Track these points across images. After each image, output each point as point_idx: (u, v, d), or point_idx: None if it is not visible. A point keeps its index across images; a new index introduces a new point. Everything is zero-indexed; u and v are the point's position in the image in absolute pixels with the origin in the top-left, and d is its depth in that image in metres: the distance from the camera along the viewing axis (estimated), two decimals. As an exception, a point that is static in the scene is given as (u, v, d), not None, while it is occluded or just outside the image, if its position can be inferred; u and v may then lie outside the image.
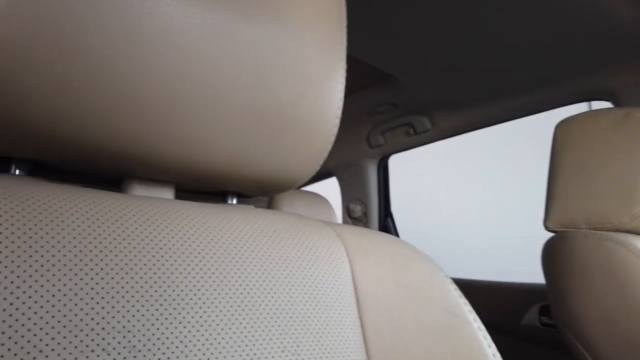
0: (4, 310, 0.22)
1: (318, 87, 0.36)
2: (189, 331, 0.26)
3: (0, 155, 0.31)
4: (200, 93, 0.31)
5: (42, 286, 0.23)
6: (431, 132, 1.43)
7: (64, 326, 0.23)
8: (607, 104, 1.09)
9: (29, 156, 0.31)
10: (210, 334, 0.27)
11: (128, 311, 0.25)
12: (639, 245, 0.71)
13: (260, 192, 0.41)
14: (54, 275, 0.24)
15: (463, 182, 2.78)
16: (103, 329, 0.24)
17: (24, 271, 0.23)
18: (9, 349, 0.21)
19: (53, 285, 0.23)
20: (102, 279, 0.25)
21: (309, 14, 0.36)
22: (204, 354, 0.26)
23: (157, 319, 0.25)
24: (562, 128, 0.87)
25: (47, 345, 0.22)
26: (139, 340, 0.24)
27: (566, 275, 0.77)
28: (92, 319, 0.24)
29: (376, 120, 1.52)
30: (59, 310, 0.23)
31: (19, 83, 0.26)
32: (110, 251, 0.26)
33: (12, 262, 0.23)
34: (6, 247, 0.23)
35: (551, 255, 0.82)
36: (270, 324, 0.30)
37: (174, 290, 0.27)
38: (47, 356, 0.22)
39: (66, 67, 0.26)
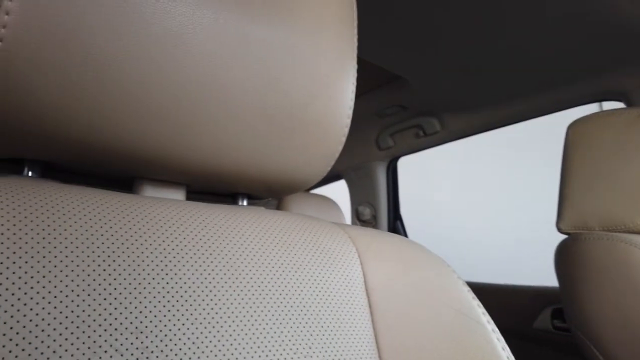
0: (18, 310, 0.22)
1: (329, 87, 0.36)
2: (201, 332, 0.26)
3: (13, 157, 0.31)
4: (211, 94, 0.31)
5: (55, 287, 0.23)
6: (441, 134, 1.42)
7: (77, 326, 0.23)
8: (618, 105, 1.08)
9: (41, 158, 0.31)
10: (222, 335, 0.27)
11: (140, 312, 0.25)
12: None
13: (271, 193, 0.41)
14: (67, 275, 0.24)
15: (474, 183, 2.77)
16: (116, 329, 0.24)
17: (38, 272, 0.23)
18: (23, 349, 0.21)
19: (66, 285, 0.23)
20: (115, 279, 0.25)
21: (320, 15, 0.36)
22: (215, 355, 0.26)
23: (170, 320, 0.25)
24: (574, 129, 0.86)
25: (60, 345, 0.22)
26: (152, 341, 0.24)
27: (580, 277, 0.76)
28: (105, 319, 0.24)
29: (385, 122, 1.51)
30: (72, 311, 0.23)
31: (31, 85, 0.26)
32: (123, 252, 0.26)
33: (26, 262, 0.23)
34: (20, 247, 0.23)
35: (564, 257, 0.81)
36: (282, 325, 0.29)
37: (185, 291, 0.27)
38: (60, 356, 0.22)
39: (77, 69, 0.26)
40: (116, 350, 0.23)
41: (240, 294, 0.29)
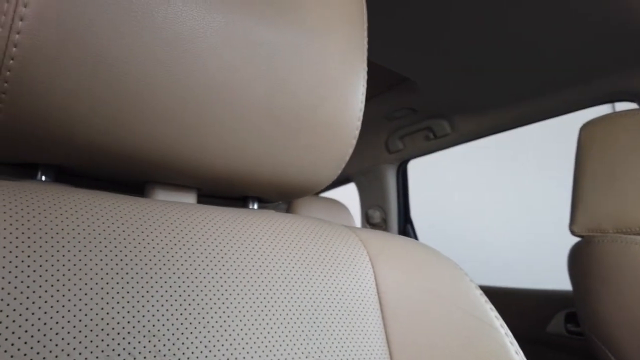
0: (33, 313, 0.22)
1: (338, 89, 0.36)
2: (213, 335, 0.26)
3: (27, 161, 0.32)
4: (222, 97, 0.31)
5: (69, 290, 0.23)
6: (451, 136, 1.41)
7: (91, 330, 0.23)
8: (631, 106, 1.07)
9: (54, 162, 0.32)
10: (234, 339, 0.27)
11: (153, 315, 0.25)
12: None
13: (281, 196, 0.41)
14: (80, 279, 0.24)
15: (487, 184, 2.75)
16: (129, 333, 0.24)
17: (52, 275, 0.23)
18: (37, 352, 0.21)
19: (80, 289, 0.23)
20: (127, 283, 0.25)
21: (330, 17, 0.36)
22: (227, 359, 0.26)
23: (182, 324, 0.25)
24: (586, 131, 0.85)
25: (74, 349, 0.22)
26: (164, 345, 0.24)
27: (593, 281, 0.75)
28: (118, 323, 0.24)
29: (394, 125, 1.51)
30: (85, 314, 0.23)
31: (45, 91, 0.26)
32: (135, 255, 0.26)
33: (40, 266, 0.23)
34: (34, 251, 0.24)
35: (578, 260, 0.80)
36: (294, 328, 0.29)
37: (197, 295, 0.27)
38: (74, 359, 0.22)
39: (90, 75, 0.27)
40: (129, 353, 0.23)
41: (252, 297, 0.29)
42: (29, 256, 0.23)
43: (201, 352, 0.25)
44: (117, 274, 0.25)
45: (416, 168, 1.74)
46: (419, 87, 1.25)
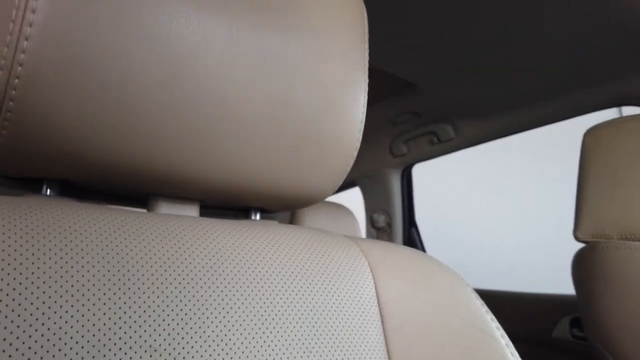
0: (36, 330, 0.22)
1: (339, 104, 0.37)
2: (214, 350, 0.26)
3: (32, 176, 0.32)
4: (224, 112, 0.31)
5: (72, 306, 0.24)
6: (455, 141, 1.41)
7: (93, 345, 0.23)
8: (637, 110, 1.06)
9: (59, 177, 0.32)
10: (235, 352, 0.27)
11: (154, 330, 0.25)
12: None
13: (283, 207, 0.42)
14: (83, 295, 0.24)
15: (492, 188, 2.74)
16: (130, 348, 0.24)
17: (55, 291, 0.24)
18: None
19: (82, 305, 0.24)
20: (130, 298, 0.25)
21: (332, 31, 0.36)
22: None
23: (183, 338, 0.26)
24: (590, 136, 0.85)
25: None
26: (165, 359, 0.25)
27: (597, 287, 0.75)
28: (120, 338, 0.24)
29: (399, 129, 1.51)
30: (87, 330, 0.23)
31: (50, 109, 0.27)
32: (137, 270, 0.27)
33: (44, 282, 0.24)
34: (38, 268, 0.24)
35: (582, 266, 0.79)
36: (294, 341, 0.30)
37: (199, 309, 0.27)
38: None
39: (95, 93, 0.27)
40: None
41: (253, 310, 0.29)
42: (32, 273, 0.24)
43: None
44: (119, 289, 0.25)
45: (421, 171, 1.74)
46: (423, 92, 1.25)
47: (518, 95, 1.17)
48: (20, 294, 0.23)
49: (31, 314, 0.23)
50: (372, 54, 1.05)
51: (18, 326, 0.22)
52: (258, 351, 0.28)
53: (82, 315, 0.24)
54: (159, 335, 0.25)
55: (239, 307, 0.29)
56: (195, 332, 0.26)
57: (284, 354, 0.29)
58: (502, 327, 1.29)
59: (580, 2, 0.78)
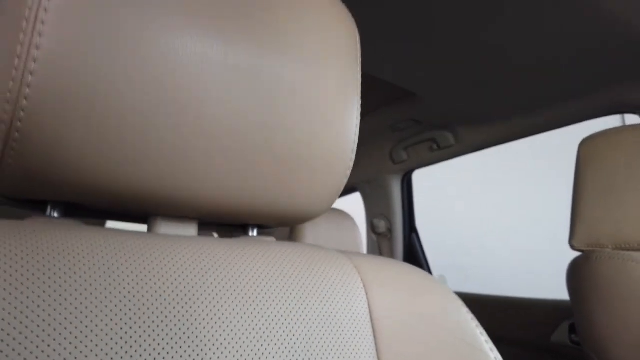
0: (43, 351, 0.24)
1: (333, 126, 0.38)
2: None
3: (37, 199, 0.34)
4: (222, 134, 0.33)
5: (76, 328, 0.25)
6: (455, 148, 1.42)
7: None
8: (637, 118, 1.07)
9: (63, 199, 0.34)
10: None
11: (154, 349, 0.27)
12: None
13: (280, 224, 0.43)
14: (86, 316, 0.26)
15: (493, 194, 2.75)
16: None
17: (60, 314, 0.25)
18: None
19: (86, 326, 0.25)
20: (130, 319, 0.27)
21: (326, 55, 0.38)
22: None
23: (181, 356, 0.27)
24: (585, 146, 0.86)
25: None
26: None
27: (591, 296, 0.76)
28: (122, 357, 0.26)
29: (399, 136, 1.52)
30: (91, 351, 0.25)
31: (55, 135, 0.28)
32: (137, 292, 0.28)
33: (50, 305, 0.25)
34: (44, 291, 0.26)
35: (576, 275, 0.81)
36: (289, 356, 0.31)
37: (196, 328, 0.29)
38: None
39: (96, 122, 0.29)
40: None
41: (249, 329, 0.31)
42: (39, 296, 0.25)
43: None
44: (120, 310, 0.27)
45: (421, 176, 1.75)
46: (423, 100, 1.27)
47: (516, 103, 1.18)
48: (27, 317, 0.24)
49: (37, 337, 0.24)
50: (373, 63, 1.06)
51: (14, 350, 0.23)
52: None
53: (86, 336, 0.25)
54: (159, 354, 0.27)
55: (235, 326, 0.30)
56: (193, 351, 0.28)
57: None
58: (501, 332, 1.30)
59: (578, 12, 0.79)
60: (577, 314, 0.81)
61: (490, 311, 1.35)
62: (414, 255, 1.66)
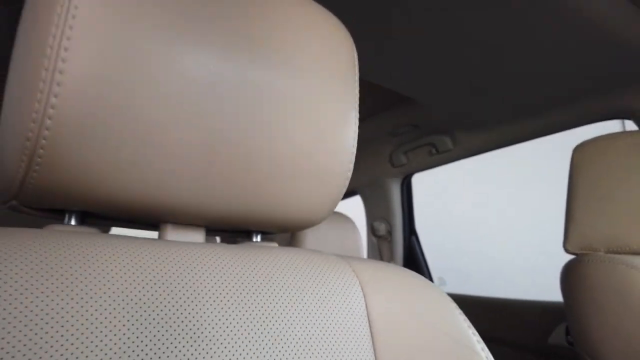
0: (58, 353, 0.26)
1: (332, 139, 0.40)
2: None
3: (56, 208, 0.36)
4: (228, 147, 0.35)
5: (92, 333, 0.27)
6: (453, 152, 1.44)
7: None
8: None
9: (80, 208, 0.36)
10: None
11: (163, 352, 0.29)
12: None
13: (282, 230, 0.46)
14: (101, 323, 0.28)
15: (493, 197, 2.76)
16: None
17: (77, 320, 0.28)
18: None
19: (100, 331, 0.28)
20: (142, 324, 0.29)
21: (325, 70, 0.40)
22: None
23: (192, 354, 0.30)
24: (578, 152, 0.88)
25: None
26: None
27: (583, 299, 0.78)
28: (138, 355, 0.28)
29: (398, 140, 1.55)
30: (105, 354, 0.27)
31: (73, 155, 0.31)
32: (152, 295, 0.30)
33: (67, 312, 0.27)
34: (61, 298, 0.28)
35: (569, 277, 0.82)
36: (291, 358, 0.33)
37: (202, 332, 0.31)
38: None
39: (112, 139, 0.31)
40: None
41: (251, 332, 0.33)
42: (60, 301, 0.28)
43: None
44: (132, 316, 0.29)
45: (421, 179, 1.77)
46: (422, 106, 1.29)
47: (514, 109, 1.20)
48: (47, 323, 0.27)
49: (51, 347, 0.26)
50: (373, 70, 1.08)
51: (35, 353, 0.26)
52: None
53: (101, 341, 0.28)
54: (168, 357, 0.29)
55: (238, 330, 0.33)
56: (199, 353, 0.30)
57: None
58: (499, 333, 1.31)
59: (575, 20, 0.81)
60: (569, 316, 0.83)
61: (488, 312, 1.37)
62: (414, 258, 1.68)
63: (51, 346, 0.26)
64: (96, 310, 0.28)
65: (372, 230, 1.76)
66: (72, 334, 0.27)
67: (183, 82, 0.32)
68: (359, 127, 1.52)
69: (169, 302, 0.31)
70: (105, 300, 0.29)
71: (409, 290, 0.43)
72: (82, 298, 0.28)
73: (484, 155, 1.44)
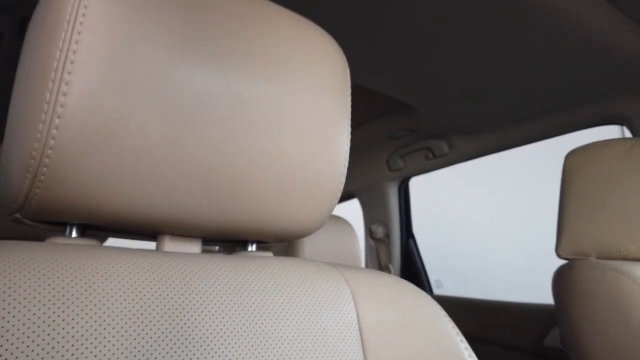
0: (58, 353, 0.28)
1: (325, 151, 0.42)
2: None
3: (58, 221, 0.38)
4: (224, 159, 0.37)
5: (91, 344, 0.29)
6: (449, 156, 1.46)
7: None
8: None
9: (81, 221, 0.38)
10: None
11: (163, 358, 0.30)
12: None
13: (277, 240, 0.47)
14: (100, 334, 0.29)
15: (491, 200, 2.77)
16: None
17: (77, 331, 0.29)
18: None
19: (99, 342, 0.29)
20: (139, 334, 0.31)
21: (318, 87, 0.42)
22: None
23: None
24: (571, 158, 0.90)
25: None
26: None
27: (574, 304, 0.79)
28: None
29: (395, 144, 1.56)
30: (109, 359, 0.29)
31: (75, 172, 0.32)
32: (149, 306, 0.32)
33: (68, 323, 0.29)
34: (62, 310, 0.29)
35: (561, 282, 0.84)
36: None
37: (200, 338, 0.32)
38: None
39: (113, 157, 0.33)
40: None
41: (244, 341, 0.34)
42: (58, 316, 0.29)
43: None
44: (129, 326, 0.31)
45: (419, 182, 1.79)
46: (418, 111, 1.30)
47: (509, 113, 1.22)
48: (48, 335, 0.28)
49: (58, 352, 0.28)
50: (370, 77, 1.10)
51: (37, 354, 0.27)
52: None
53: (104, 355, 0.29)
54: None
55: (231, 339, 0.34)
56: (198, 358, 0.32)
57: None
58: (495, 335, 1.32)
59: (568, 28, 0.82)
60: (561, 320, 0.84)
61: (484, 315, 1.38)
62: (411, 260, 1.69)
63: (52, 357, 0.27)
64: (95, 321, 0.30)
65: (370, 233, 1.77)
66: (73, 345, 0.28)
67: (180, 100, 0.34)
68: (357, 131, 1.54)
69: (165, 313, 0.32)
70: (104, 312, 0.30)
71: (400, 299, 0.44)
72: (82, 310, 0.30)
73: (480, 159, 1.46)
